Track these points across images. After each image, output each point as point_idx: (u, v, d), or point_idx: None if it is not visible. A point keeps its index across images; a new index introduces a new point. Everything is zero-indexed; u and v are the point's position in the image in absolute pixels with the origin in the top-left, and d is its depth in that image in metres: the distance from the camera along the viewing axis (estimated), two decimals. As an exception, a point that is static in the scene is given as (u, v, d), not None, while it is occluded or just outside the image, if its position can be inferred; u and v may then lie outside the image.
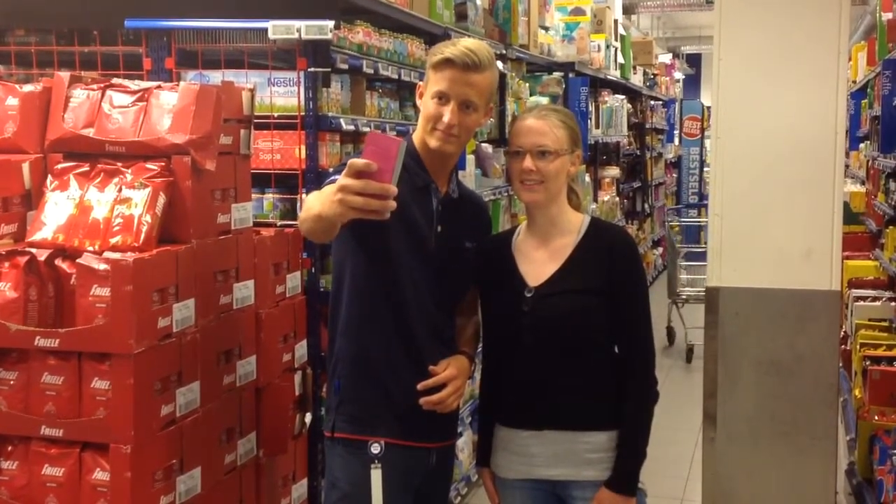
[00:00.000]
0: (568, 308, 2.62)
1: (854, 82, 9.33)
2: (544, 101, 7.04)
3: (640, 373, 2.67)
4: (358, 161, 2.18)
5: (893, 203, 6.23)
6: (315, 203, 2.33)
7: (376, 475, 2.58)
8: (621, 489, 2.63)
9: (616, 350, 2.71)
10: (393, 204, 2.19)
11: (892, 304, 6.13)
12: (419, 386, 2.62)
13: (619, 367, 2.68)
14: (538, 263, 2.70)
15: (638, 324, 2.68)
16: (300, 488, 3.60)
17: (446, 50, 2.58)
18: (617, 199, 9.72)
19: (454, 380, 2.66)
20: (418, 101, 2.67)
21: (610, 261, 2.65)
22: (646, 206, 12.41)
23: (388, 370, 2.64)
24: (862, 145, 9.39)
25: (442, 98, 2.58)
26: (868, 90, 8.20)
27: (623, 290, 2.65)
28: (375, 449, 2.60)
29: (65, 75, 3.00)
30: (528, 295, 2.65)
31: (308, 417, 3.51)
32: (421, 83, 2.67)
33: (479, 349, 2.84)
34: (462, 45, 2.59)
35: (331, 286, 2.76)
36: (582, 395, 2.65)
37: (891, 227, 6.37)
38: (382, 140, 2.21)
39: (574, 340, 2.64)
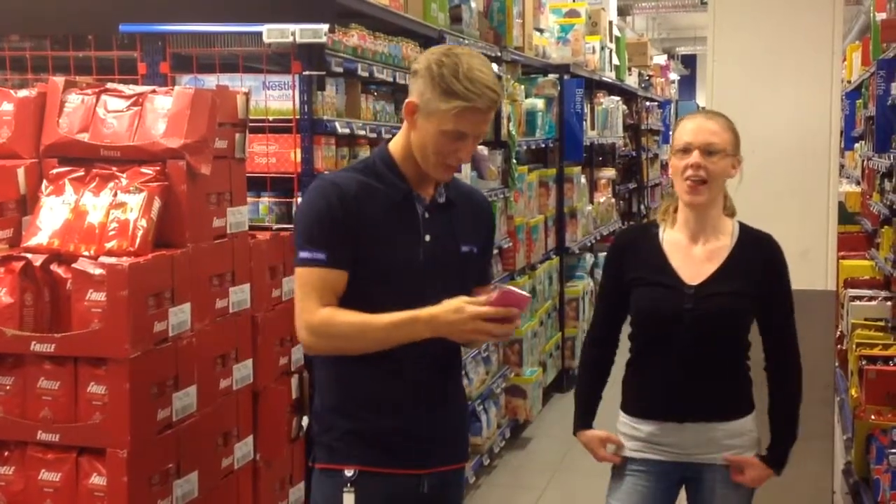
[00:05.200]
0: (728, 307, 2.76)
1: (849, 82, 9.34)
2: (540, 103, 7.05)
3: (796, 371, 2.86)
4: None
5: (888, 203, 6.24)
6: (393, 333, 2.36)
7: (349, 499, 2.45)
8: (775, 464, 2.84)
9: (754, 349, 2.87)
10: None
11: (888, 303, 6.13)
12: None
13: (768, 363, 2.86)
14: (695, 262, 2.80)
15: (791, 324, 2.88)
16: (297, 492, 3.59)
17: (471, 94, 2.33)
18: (613, 200, 9.71)
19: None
20: (406, 116, 2.44)
21: (766, 268, 2.81)
22: (642, 207, 12.42)
23: (366, 393, 2.47)
24: (857, 145, 9.40)
25: (460, 136, 2.39)
26: (863, 90, 8.20)
27: (779, 294, 2.84)
28: (349, 472, 2.47)
29: (59, 80, 3.00)
30: (689, 293, 2.75)
31: (305, 421, 3.51)
32: (414, 100, 2.41)
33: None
34: (482, 84, 2.34)
35: None
36: (724, 391, 2.81)
37: (886, 227, 6.37)
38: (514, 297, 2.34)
39: (726, 340, 2.80)
